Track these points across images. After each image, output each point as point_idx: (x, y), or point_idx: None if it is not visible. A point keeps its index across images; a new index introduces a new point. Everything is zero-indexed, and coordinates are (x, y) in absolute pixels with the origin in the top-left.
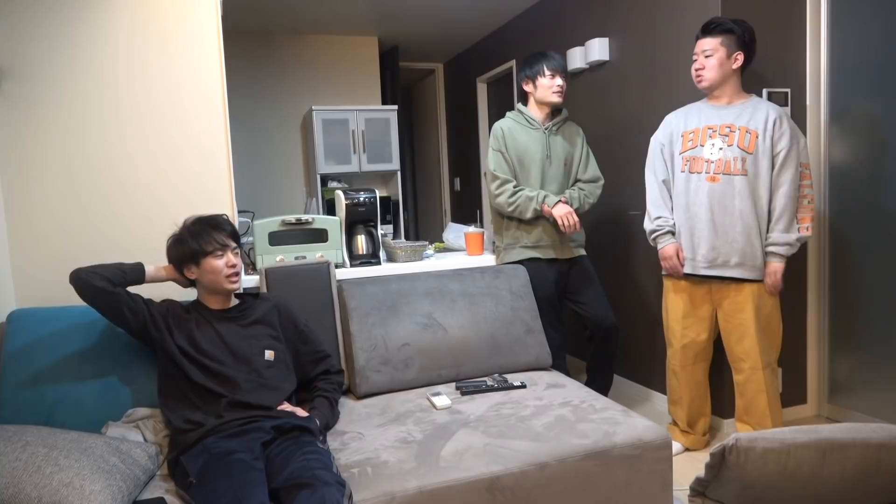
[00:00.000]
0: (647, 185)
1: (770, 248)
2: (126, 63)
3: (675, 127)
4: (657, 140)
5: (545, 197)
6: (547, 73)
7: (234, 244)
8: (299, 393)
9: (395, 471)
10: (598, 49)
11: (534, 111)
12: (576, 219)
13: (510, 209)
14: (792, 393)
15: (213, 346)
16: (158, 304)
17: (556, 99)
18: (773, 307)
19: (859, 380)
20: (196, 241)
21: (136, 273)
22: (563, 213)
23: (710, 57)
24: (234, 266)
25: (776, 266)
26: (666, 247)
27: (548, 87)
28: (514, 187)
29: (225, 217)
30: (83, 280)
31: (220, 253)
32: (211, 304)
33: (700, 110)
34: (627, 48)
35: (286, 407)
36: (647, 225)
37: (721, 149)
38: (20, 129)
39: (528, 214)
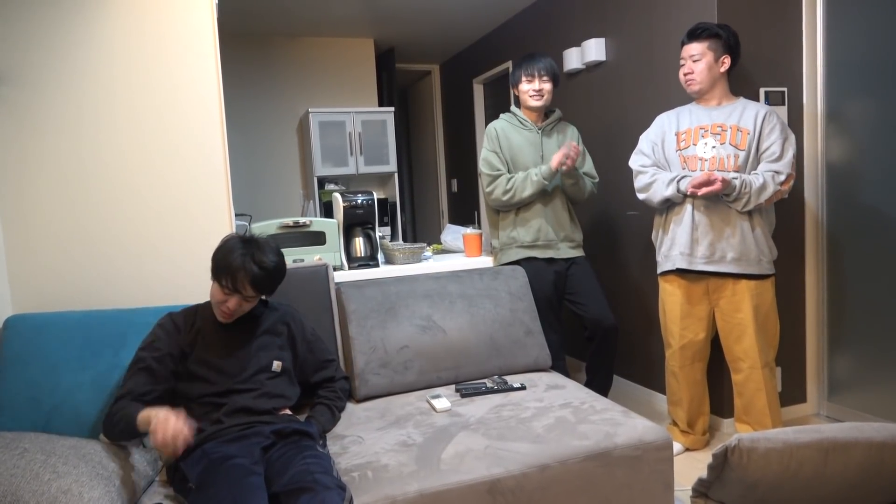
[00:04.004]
0: (638, 167)
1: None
2: (122, 66)
3: (667, 127)
4: (648, 138)
5: (540, 167)
6: (524, 78)
7: (248, 293)
8: (302, 400)
9: (395, 474)
10: (594, 49)
11: (526, 112)
12: (575, 150)
13: (507, 197)
14: (791, 392)
15: (222, 357)
16: (166, 339)
17: (533, 103)
18: (771, 305)
19: (858, 378)
20: (221, 266)
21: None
22: (561, 152)
23: (699, 61)
24: (229, 308)
25: (725, 181)
26: (692, 178)
27: (525, 91)
28: (507, 178)
29: (266, 259)
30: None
31: (227, 291)
32: None
33: (691, 112)
34: (624, 49)
35: (284, 412)
36: (668, 191)
37: (714, 147)
38: (16, 133)
39: (528, 192)
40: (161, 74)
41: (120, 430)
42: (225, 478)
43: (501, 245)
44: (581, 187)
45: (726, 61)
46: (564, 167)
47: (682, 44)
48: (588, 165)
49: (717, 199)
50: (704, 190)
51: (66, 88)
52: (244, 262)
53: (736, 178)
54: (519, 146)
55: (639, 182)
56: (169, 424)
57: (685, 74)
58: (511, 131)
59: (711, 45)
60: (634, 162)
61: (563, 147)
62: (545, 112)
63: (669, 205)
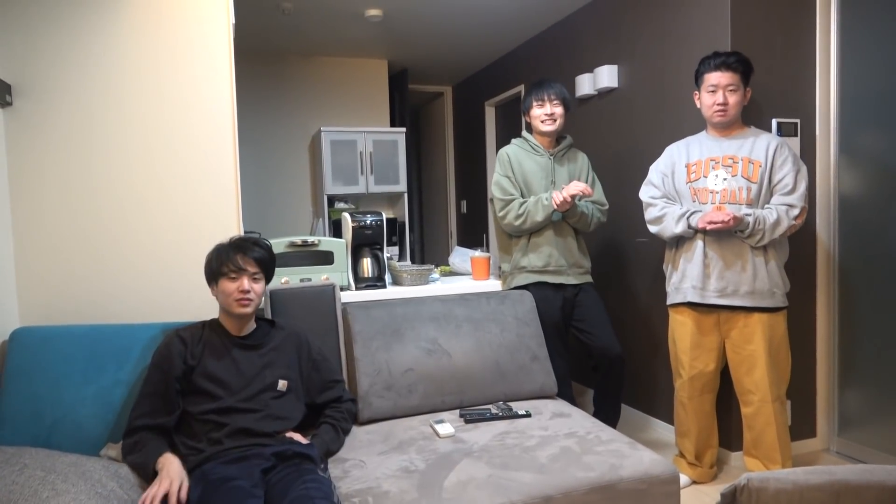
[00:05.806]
0: (648, 199)
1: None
2: (136, 82)
3: (677, 158)
4: (658, 169)
5: (551, 192)
6: (535, 103)
7: (253, 270)
8: (307, 419)
9: (396, 501)
10: (607, 76)
11: (538, 138)
12: (583, 187)
13: (519, 221)
14: (801, 426)
15: (228, 374)
16: (172, 360)
17: (545, 128)
18: (782, 337)
19: (869, 414)
20: (217, 260)
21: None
22: (569, 189)
23: (735, 93)
24: (246, 291)
25: (737, 217)
26: (703, 214)
27: (537, 116)
28: (520, 202)
29: (259, 241)
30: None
31: (234, 276)
32: (229, 328)
33: (701, 142)
34: (636, 75)
35: (287, 434)
36: (678, 227)
37: (725, 179)
38: (29, 147)
39: (540, 216)
40: (174, 90)
41: (139, 460)
42: (223, 500)
43: (512, 269)
44: (585, 220)
45: (749, 92)
46: (561, 204)
47: (705, 71)
48: (598, 193)
49: (731, 233)
50: (714, 226)
51: (80, 103)
52: (235, 244)
53: (749, 215)
54: (532, 171)
55: (649, 214)
56: (165, 488)
57: (718, 104)
58: (523, 156)
59: (743, 77)
60: (644, 193)
61: (562, 190)
62: (557, 138)
63: (680, 238)
